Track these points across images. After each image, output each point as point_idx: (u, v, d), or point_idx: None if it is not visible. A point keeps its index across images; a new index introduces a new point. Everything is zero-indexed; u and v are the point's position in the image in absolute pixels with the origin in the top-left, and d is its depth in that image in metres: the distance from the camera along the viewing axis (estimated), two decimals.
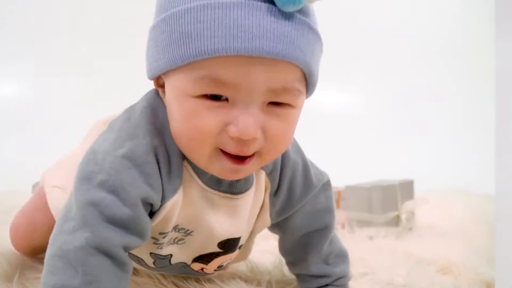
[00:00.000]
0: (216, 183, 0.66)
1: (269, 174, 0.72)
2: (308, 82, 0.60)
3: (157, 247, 0.68)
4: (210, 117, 0.55)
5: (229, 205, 0.69)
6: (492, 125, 0.83)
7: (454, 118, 2.56)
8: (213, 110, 0.55)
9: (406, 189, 1.46)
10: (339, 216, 1.46)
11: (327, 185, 0.79)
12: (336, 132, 2.51)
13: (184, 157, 0.63)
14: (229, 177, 0.61)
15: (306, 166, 0.75)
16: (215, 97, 0.55)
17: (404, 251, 1.09)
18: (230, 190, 0.68)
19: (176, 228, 0.67)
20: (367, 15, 2.73)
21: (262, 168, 0.70)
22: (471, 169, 2.04)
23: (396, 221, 1.39)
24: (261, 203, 0.74)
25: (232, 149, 0.57)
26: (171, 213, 0.64)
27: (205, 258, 0.73)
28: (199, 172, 0.65)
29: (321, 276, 0.80)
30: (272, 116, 0.57)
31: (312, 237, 0.79)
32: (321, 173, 0.78)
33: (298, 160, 0.74)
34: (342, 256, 0.82)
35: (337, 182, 1.64)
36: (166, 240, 0.68)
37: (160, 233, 0.66)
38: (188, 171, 0.64)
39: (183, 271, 0.76)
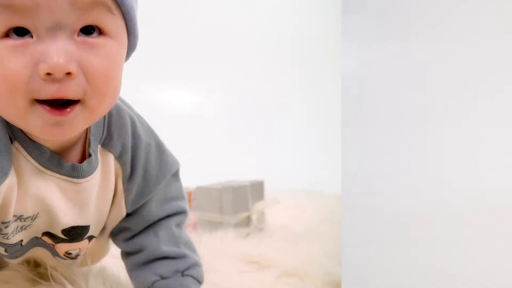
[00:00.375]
0: (57, 165, 0.61)
1: (118, 158, 0.67)
2: (121, 9, 0.54)
3: (3, 237, 0.64)
4: (16, 59, 0.49)
5: (72, 190, 0.64)
6: (339, 126, 0.85)
7: (301, 118, 2.65)
8: (18, 50, 0.49)
9: (257, 189, 1.47)
10: (190, 217, 1.44)
11: (177, 173, 0.76)
12: (185, 133, 2.47)
13: (15, 139, 0.59)
14: (53, 134, 0.54)
15: (160, 147, 0.72)
16: (18, 36, 0.49)
17: (252, 253, 1.08)
18: (72, 173, 0.63)
19: (21, 218, 0.63)
20: (218, 15, 2.73)
21: (110, 151, 0.66)
22: (321, 170, 2.10)
23: (247, 222, 1.40)
24: (112, 190, 0.69)
25: (47, 93, 0.50)
26: (7, 200, 0.59)
27: (53, 237, 0.69)
28: (34, 153, 0.60)
29: (174, 258, 0.73)
30: (87, 49, 0.51)
31: (165, 219, 0.75)
32: (174, 158, 0.75)
33: (150, 142, 0.70)
34: (192, 247, 0.76)
35: (188, 182, 1.61)
36: (10, 230, 0.63)
37: (2, 223, 0.62)
38: (20, 153, 0.59)
39: (35, 243, 0.71)
